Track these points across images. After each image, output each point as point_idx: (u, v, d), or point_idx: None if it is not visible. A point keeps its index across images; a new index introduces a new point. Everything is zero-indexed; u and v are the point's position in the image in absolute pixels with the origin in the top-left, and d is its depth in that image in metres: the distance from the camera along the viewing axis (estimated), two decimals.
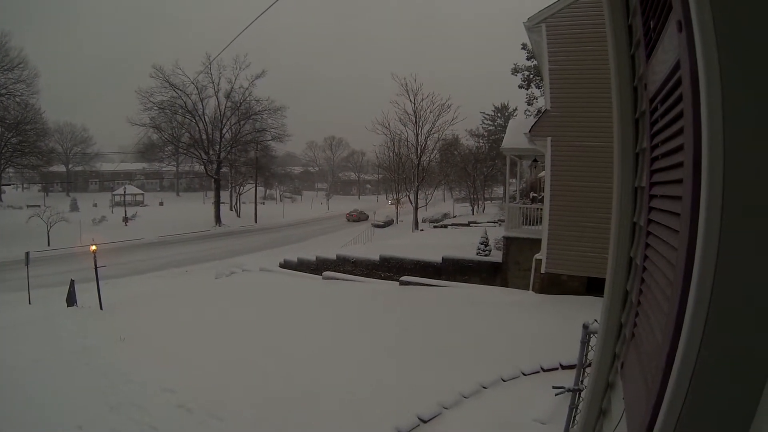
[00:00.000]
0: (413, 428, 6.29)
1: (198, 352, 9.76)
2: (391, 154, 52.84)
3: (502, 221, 23.22)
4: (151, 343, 10.73)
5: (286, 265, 22.92)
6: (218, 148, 57.57)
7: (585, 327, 4.42)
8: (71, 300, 17.66)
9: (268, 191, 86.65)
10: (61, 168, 79.21)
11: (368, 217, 64.61)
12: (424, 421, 6.44)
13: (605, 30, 2.50)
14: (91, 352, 10.31)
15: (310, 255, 22.50)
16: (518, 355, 8.56)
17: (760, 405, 1.16)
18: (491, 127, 64.31)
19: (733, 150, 1.14)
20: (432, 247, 20.32)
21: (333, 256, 20.90)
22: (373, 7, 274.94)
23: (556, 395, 5.11)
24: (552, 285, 13.58)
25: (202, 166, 58.90)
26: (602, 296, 2.83)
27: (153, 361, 9.30)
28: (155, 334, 11.53)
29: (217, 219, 55.40)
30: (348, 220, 63.76)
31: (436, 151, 51.53)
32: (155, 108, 53.29)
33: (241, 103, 58.08)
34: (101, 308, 16.26)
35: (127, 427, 6.61)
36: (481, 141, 60.74)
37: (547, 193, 13.63)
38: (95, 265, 17.63)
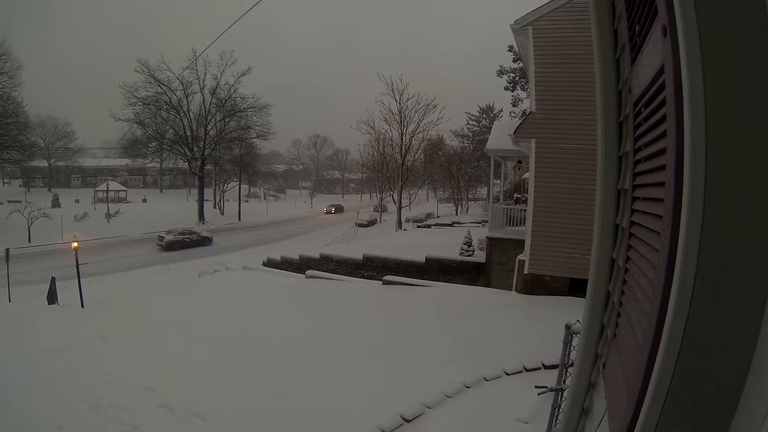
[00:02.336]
0: (396, 427, 6.30)
1: (179, 350, 9.69)
2: (375, 154, 52.98)
3: (486, 222, 23.33)
4: (133, 341, 10.62)
5: (269, 263, 22.86)
6: (202, 145, 57.14)
7: (567, 327, 4.45)
8: (52, 297, 17.43)
9: (252, 189, 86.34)
10: (43, 163, 78.04)
11: (343, 208, 75.58)
12: (407, 421, 6.45)
13: (591, 34, 2.52)
14: (72, 351, 10.18)
15: (294, 254, 22.46)
16: (501, 355, 8.60)
17: (740, 404, 1.18)
18: (476, 128, 64.62)
19: (715, 153, 1.16)
20: (415, 246, 20.35)
21: (316, 255, 20.87)
22: (360, 6, 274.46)
23: (538, 395, 5.15)
24: (535, 285, 13.67)
25: (186, 163, 58.44)
26: (584, 297, 2.85)
27: (134, 360, 9.21)
28: (136, 332, 11.42)
29: (201, 216, 54.99)
30: (326, 213, 73.10)
31: (420, 151, 51.66)
32: (140, 103, 52.79)
33: (226, 100, 57.67)
34: (82, 306, 16.07)
35: (107, 426, 6.53)
36: (466, 141, 60.99)
37: (530, 195, 13.71)
38: (77, 262, 17.43)
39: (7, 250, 21.61)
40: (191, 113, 56.80)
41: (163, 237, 38.27)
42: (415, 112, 44.84)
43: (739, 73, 1.14)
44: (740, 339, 1.17)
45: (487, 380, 7.79)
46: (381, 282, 16.66)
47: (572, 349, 4.32)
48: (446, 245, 19.66)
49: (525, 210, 14.91)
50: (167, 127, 57.16)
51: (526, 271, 13.76)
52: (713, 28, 1.15)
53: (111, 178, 77.37)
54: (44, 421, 6.68)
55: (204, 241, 40.01)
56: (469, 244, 17.81)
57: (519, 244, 14.65)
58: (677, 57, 1.25)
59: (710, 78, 1.16)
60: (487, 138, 21.49)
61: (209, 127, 57.88)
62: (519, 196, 21.96)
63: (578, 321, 3.46)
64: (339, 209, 76.96)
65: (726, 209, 1.17)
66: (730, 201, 1.16)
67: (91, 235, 38.02)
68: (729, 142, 1.15)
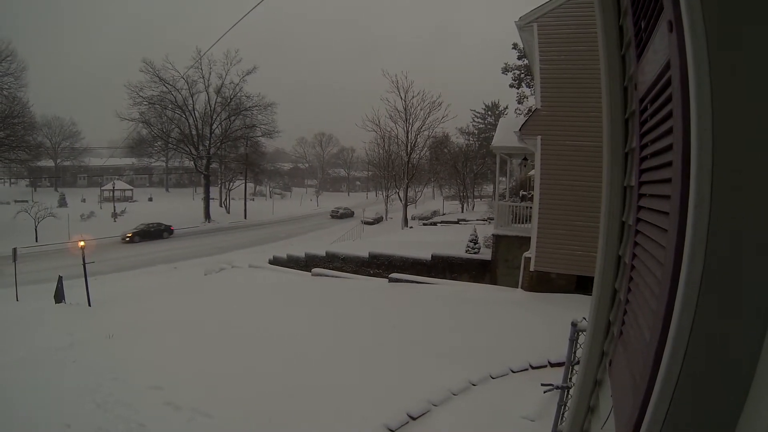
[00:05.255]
0: (402, 425, 6.30)
1: (185, 348, 9.72)
2: (381, 151, 52.91)
3: (492, 219, 23.31)
4: (139, 340, 10.66)
5: (275, 261, 22.88)
6: (208, 143, 57.24)
7: (573, 325, 4.45)
8: (59, 296, 17.50)
9: (257, 187, 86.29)
10: (50, 163, 78.16)
11: (165, 230, 44.14)
12: (413, 418, 6.44)
13: (596, 30, 2.51)
14: (79, 349, 10.22)
15: (300, 252, 22.47)
16: (507, 353, 8.59)
17: (747, 403, 1.17)
18: (481, 125, 64.52)
19: (722, 150, 1.15)
20: (421, 244, 20.34)
21: (322, 253, 20.88)
22: (365, 4, 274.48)
23: (544, 392, 5.16)
24: (541, 283, 13.65)
25: (192, 162, 58.62)
26: (591, 294, 2.84)
27: (141, 358, 9.24)
28: (143, 331, 11.46)
29: (207, 215, 55.13)
30: (123, 241, 40.69)
31: (426, 149, 51.64)
32: (145, 103, 52.92)
33: (231, 99, 57.79)
34: (89, 305, 16.14)
35: (114, 425, 6.56)
36: (472, 139, 60.91)
37: (536, 192, 13.68)
38: (83, 261, 17.51)
39: (14, 250, 21.71)
40: (196, 112, 56.97)
41: (337, 211, 65.40)
42: (421, 109, 44.83)
43: (745, 67, 1.13)
44: (747, 337, 1.16)
45: (493, 378, 7.78)
46: (387, 280, 16.68)
47: (578, 346, 4.32)
48: (452, 243, 19.64)
49: (531, 207, 14.88)
50: (173, 126, 57.31)
51: (532, 269, 13.73)
52: (719, 23, 1.14)
53: (117, 177, 77.42)
54: (52, 419, 6.72)
55: (353, 214, 64.15)
56: (475, 241, 17.79)
57: (525, 242, 14.62)
58: (683, 53, 1.24)
59: (717, 73, 1.15)
60: (493, 135, 21.46)
61: (214, 125, 58.03)
62: (525, 193, 21.92)
63: (584, 318, 3.45)
64: (150, 233, 42.90)
65: (733, 206, 1.16)
66: (737, 197, 1.15)
67: (98, 234, 38.10)
68: (736, 138, 1.15)
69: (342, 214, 64.85)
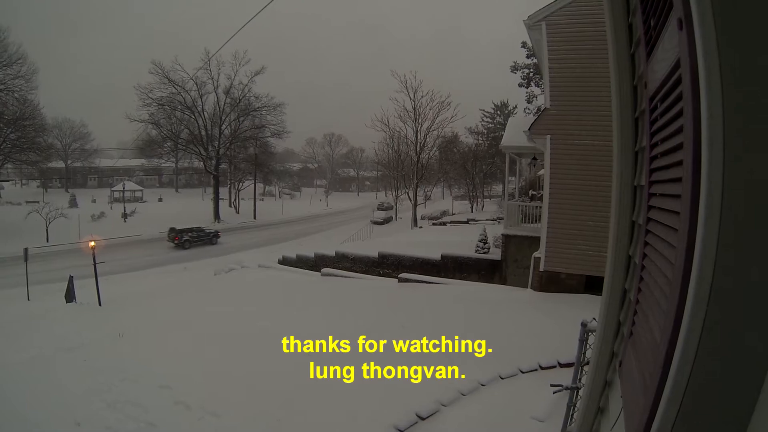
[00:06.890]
0: (411, 425, 6.29)
1: (195, 348, 9.75)
2: (390, 151, 52.97)
3: (501, 219, 23.25)
4: (149, 339, 10.72)
5: (284, 261, 22.92)
6: (217, 144, 57.48)
7: (583, 325, 4.42)
8: (70, 296, 17.64)
9: (267, 188, 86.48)
10: (60, 164, 78.66)
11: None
12: (422, 419, 6.44)
13: (605, 28, 2.50)
14: (89, 349, 10.29)
15: (309, 252, 22.50)
16: (516, 353, 8.56)
17: (758, 403, 1.16)
18: (491, 125, 64.23)
19: (733, 148, 1.14)
20: (431, 244, 20.30)
21: (332, 253, 20.90)
22: (374, 4, 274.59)
23: (554, 393, 5.13)
24: (550, 283, 13.60)
25: (201, 163, 58.86)
26: (601, 294, 2.83)
27: (151, 358, 9.29)
28: (153, 330, 11.52)
29: (216, 215, 55.28)
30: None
31: (435, 149, 51.60)
32: (154, 104, 53.19)
33: (240, 100, 58.00)
34: (100, 304, 16.26)
35: (125, 424, 6.60)
36: (481, 138, 60.61)
37: (546, 191, 13.63)
38: (94, 261, 17.62)
39: (26, 250, 21.88)
40: (206, 113, 57.21)
41: (381, 203, 64.82)
42: (430, 109, 44.82)
43: (756, 65, 1.12)
44: (758, 338, 1.15)
45: (502, 378, 7.76)
46: (397, 279, 16.68)
47: (588, 347, 4.30)
48: (462, 242, 19.60)
49: (540, 207, 14.83)
50: (182, 127, 57.60)
51: (541, 269, 13.69)
52: (730, 20, 1.13)
53: (127, 178, 77.83)
54: (62, 417, 6.77)
55: (392, 207, 62.69)
56: (484, 241, 17.76)
57: (534, 241, 14.57)
58: (693, 51, 1.23)
59: (727, 72, 1.14)
60: (502, 135, 21.41)
61: (224, 126, 58.28)
62: (534, 192, 21.84)
63: (594, 319, 3.44)
64: None
65: (744, 205, 1.15)
66: (749, 197, 1.14)
67: (109, 234, 38.35)
68: (747, 136, 1.13)
69: (385, 207, 67.41)
